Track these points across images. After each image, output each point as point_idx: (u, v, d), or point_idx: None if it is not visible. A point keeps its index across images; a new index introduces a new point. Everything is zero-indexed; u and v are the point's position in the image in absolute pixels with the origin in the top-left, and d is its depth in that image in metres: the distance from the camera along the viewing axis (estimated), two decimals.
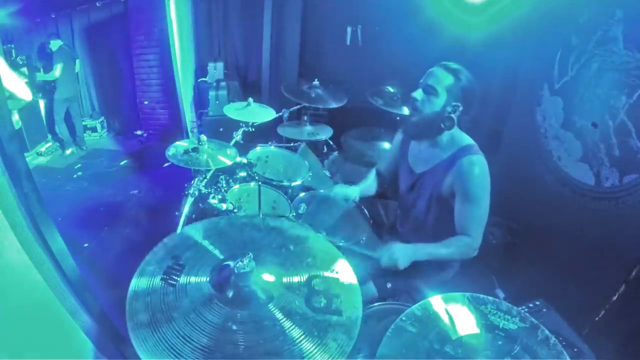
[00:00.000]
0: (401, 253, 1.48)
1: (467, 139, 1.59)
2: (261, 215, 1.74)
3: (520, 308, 0.98)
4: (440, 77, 1.51)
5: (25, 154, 3.70)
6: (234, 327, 0.87)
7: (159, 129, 4.65)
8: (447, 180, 1.56)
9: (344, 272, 1.05)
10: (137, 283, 0.96)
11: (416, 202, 1.72)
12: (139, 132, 4.62)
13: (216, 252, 1.07)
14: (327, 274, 1.03)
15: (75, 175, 3.81)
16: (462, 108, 1.52)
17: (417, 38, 3.04)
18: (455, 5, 2.69)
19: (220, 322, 0.88)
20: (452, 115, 1.53)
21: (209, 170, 2.13)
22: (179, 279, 0.97)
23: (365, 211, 2.02)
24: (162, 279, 0.97)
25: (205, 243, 1.09)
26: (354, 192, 1.85)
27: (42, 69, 4.11)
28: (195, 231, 1.14)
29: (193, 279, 0.98)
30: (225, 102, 3.82)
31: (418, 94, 1.56)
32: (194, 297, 0.93)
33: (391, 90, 3.06)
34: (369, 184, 1.95)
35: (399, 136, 1.89)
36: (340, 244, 1.71)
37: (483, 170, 1.51)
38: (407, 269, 1.57)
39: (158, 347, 0.81)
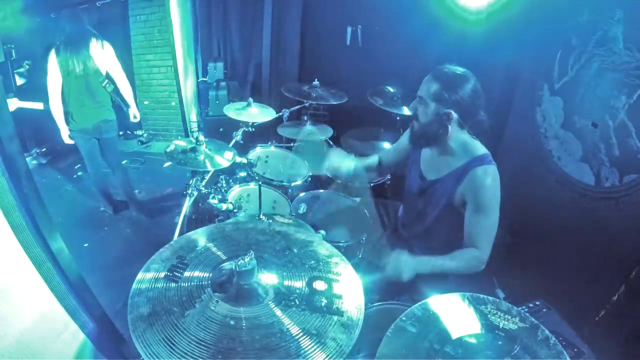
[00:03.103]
0: (407, 265, 1.45)
1: (480, 148, 1.56)
2: (262, 216, 1.74)
3: (520, 308, 0.97)
4: (427, 86, 1.51)
5: (25, 154, 3.69)
6: (232, 323, 0.88)
7: (159, 128, 4.65)
8: (460, 189, 1.54)
9: (347, 274, 1.05)
10: (141, 279, 0.98)
11: (426, 209, 1.71)
12: (139, 132, 4.62)
13: (220, 253, 1.08)
14: (329, 275, 1.03)
15: (75, 175, 3.80)
16: (456, 116, 1.49)
17: (417, 38, 3.05)
18: (455, 5, 2.69)
19: (219, 317, 0.89)
20: (446, 124, 1.50)
21: (207, 170, 2.14)
22: (181, 276, 0.99)
23: (366, 212, 2.02)
24: (165, 276, 0.99)
25: (210, 245, 1.11)
26: (349, 164, 1.81)
27: None
28: (202, 234, 1.16)
29: (195, 277, 1.00)
30: (225, 102, 3.83)
31: (412, 105, 1.58)
32: (194, 293, 0.95)
33: (391, 90, 3.07)
34: (369, 164, 1.95)
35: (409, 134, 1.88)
36: (341, 244, 1.72)
37: (495, 181, 1.49)
38: None
39: (155, 337, 0.83)
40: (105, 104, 2.86)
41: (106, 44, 2.82)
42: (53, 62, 2.61)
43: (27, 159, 3.20)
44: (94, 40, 2.73)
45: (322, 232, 1.71)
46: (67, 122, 2.78)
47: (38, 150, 4.13)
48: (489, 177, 1.48)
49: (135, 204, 3.26)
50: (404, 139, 1.89)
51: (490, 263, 1.53)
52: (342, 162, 1.84)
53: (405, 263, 1.46)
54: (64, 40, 2.62)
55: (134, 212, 3.23)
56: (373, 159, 1.99)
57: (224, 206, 1.88)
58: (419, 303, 1.00)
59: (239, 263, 0.95)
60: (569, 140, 2.13)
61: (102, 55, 2.77)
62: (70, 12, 2.74)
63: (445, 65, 1.53)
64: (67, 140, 2.82)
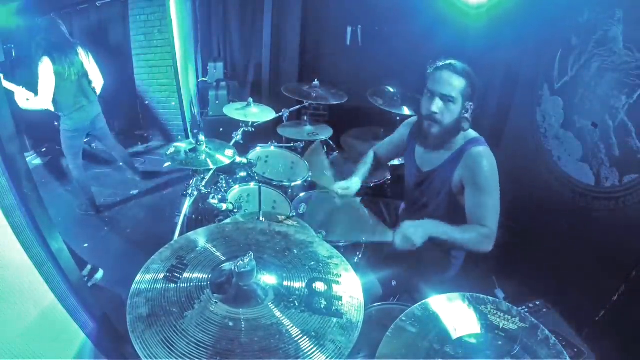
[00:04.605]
0: (413, 230, 1.42)
1: (472, 132, 1.61)
2: (262, 217, 1.74)
3: (520, 308, 0.98)
4: (454, 84, 1.49)
5: (25, 154, 3.68)
6: (231, 324, 0.88)
7: (159, 129, 4.65)
8: (457, 174, 1.56)
9: (347, 275, 1.05)
10: (140, 279, 0.98)
11: (425, 199, 1.72)
12: (139, 132, 4.62)
13: (220, 253, 1.08)
14: (329, 276, 1.03)
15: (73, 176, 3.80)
16: (474, 106, 1.53)
17: (417, 38, 3.05)
18: (455, 5, 2.69)
19: (218, 318, 0.89)
20: (467, 116, 1.53)
21: (208, 170, 2.14)
22: (181, 277, 0.99)
23: (365, 211, 2.02)
24: (165, 277, 0.99)
25: (210, 245, 1.11)
26: (356, 184, 1.83)
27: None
28: (201, 235, 1.16)
29: (195, 277, 1.00)
30: (225, 102, 3.82)
31: (437, 106, 1.52)
32: (194, 294, 0.95)
33: (391, 90, 3.07)
34: (369, 169, 1.96)
35: (404, 130, 1.88)
36: (341, 244, 1.72)
37: (491, 160, 1.51)
38: (408, 268, 1.57)
39: (154, 339, 0.83)
40: (95, 100, 3.13)
41: (87, 52, 3.02)
42: (48, 69, 2.71)
43: (27, 159, 3.19)
44: (79, 47, 2.93)
45: (323, 232, 1.71)
46: (64, 123, 2.93)
47: (38, 150, 4.13)
48: (484, 157, 1.51)
49: (135, 171, 3.70)
50: (400, 134, 1.91)
51: (490, 263, 1.53)
52: (348, 184, 1.82)
53: (410, 228, 1.43)
54: (54, 48, 2.74)
55: (136, 177, 3.72)
56: (369, 157, 2.00)
57: (224, 206, 1.88)
58: (419, 303, 1.00)
59: (238, 264, 0.95)
60: (569, 140, 2.13)
61: (87, 61, 2.98)
62: (51, 21, 2.87)
63: (447, 61, 1.54)
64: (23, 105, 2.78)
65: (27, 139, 4.01)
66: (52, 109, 2.85)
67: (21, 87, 2.70)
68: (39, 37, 2.77)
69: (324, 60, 3.86)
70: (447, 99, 1.50)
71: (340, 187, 1.80)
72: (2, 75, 2.60)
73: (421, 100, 1.63)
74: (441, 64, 1.54)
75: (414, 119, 1.85)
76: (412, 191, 1.79)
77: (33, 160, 4.02)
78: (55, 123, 3.06)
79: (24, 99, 2.69)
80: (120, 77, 4.52)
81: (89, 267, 2.48)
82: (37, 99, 2.73)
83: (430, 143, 1.63)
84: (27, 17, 3.27)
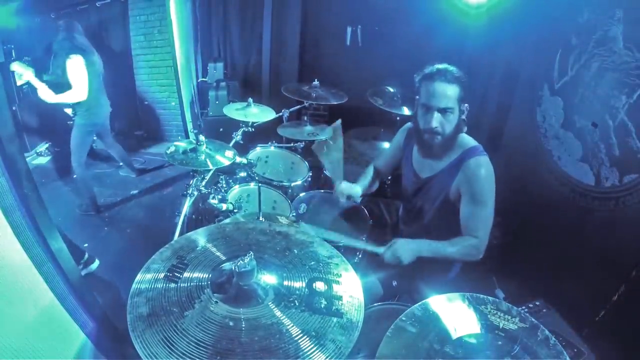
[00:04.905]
0: (404, 249, 1.47)
1: (471, 141, 1.59)
2: (261, 217, 1.74)
3: (520, 308, 0.98)
4: (451, 94, 1.47)
5: (25, 154, 3.69)
6: (231, 324, 0.88)
7: (159, 129, 4.65)
8: (455, 182, 1.55)
9: (347, 275, 1.05)
10: (141, 279, 0.98)
11: (423, 206, 1.72)
12: (139, 132, 4.61)
13: (220, 253, 1.08)
14: (329, 276, 1.03)
15: (75, 175, 3.80)
16: (469, 106, 1.54)
17: (417, 38, 3.05)
18: (455, 5, 2.69)
19: (218, 318, 0.89)
20: (464, 117, 1.54)
21: (208, 170, 2.14)
22: (181, 276, 0.99)
23: (365, 211, 2.02)
24: (165, 276, 0.99)
25: (210, 245, 1.11)
26: (357, 191, 1.82)
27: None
28: (202, 235, 1.16)
29: (195, 277, 1.00)
30: (225, 102, 3.82)
31: (436, 121, 1.50)
32: (194, 293, 0.95)
33: (391, 90, 3.07)
34: (370, 182, 1.94)
35: (400, 137, 1.87)
36: (341, 243, 1.72)
37: (489, 171, 1.51)
38: (410, 269, 1.57)
39: (154, 338, 0.83)
40: (107, 98, 3.32)
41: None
42: (80, 63, 2.86)
43: (27, 159, 3.21)
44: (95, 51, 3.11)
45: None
46: (83, 118, 3.07)
47: (38, 150, 4.14)
48: (483, 168, 1.50)
49: (132, 168, 3.81)
50: (397, 142, 1.90)
51: (490, 263, 1.53)
52: (349, 189, 1.81)
53: (402, 247, 1.48)
54: (78, 48, 2.89)
55: (132, 175, 3.82)
56: (369, 171, 1.98)
57: (224, 206, 1.88)
58: (419, 303, 1.00)
59: (238, 264, 0.95)
60: (569, 140, 2.13)
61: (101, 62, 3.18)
62: (71, 23, 3.01)
63: (435, 67, 1.52)
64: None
65: (27, 139, 4.01)
66: (69, 111, 3.04)
67: (44, 83, 2.84)
68: (59, 37, 2.93)
69: (324, 60, 3.87)
70: (445, 111, 1.49)
71: (344, 188, 1.78)
72: (32, 71, 2.85)
73: (416, 112, 1.62)
74: (429, 71, 1.51)
75: (409, 124, 1.85)
76: (409, 197, 1.79)
77: (33, 160, 4.02)
78: (69, 122, 3.18)
79: (52, 93, 2.84)
80: (120, 77, 4.52)
81: (86, 256, 2.54)
82: (73, 92, 2.88)
83: (434, 152, 1.63)
84: (27, 17, 3.28)
